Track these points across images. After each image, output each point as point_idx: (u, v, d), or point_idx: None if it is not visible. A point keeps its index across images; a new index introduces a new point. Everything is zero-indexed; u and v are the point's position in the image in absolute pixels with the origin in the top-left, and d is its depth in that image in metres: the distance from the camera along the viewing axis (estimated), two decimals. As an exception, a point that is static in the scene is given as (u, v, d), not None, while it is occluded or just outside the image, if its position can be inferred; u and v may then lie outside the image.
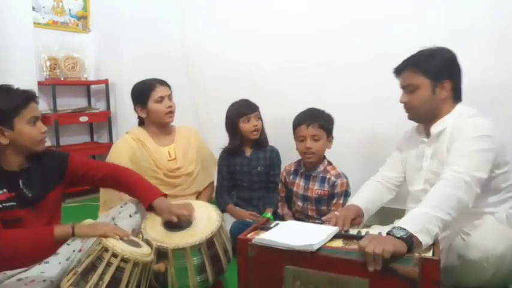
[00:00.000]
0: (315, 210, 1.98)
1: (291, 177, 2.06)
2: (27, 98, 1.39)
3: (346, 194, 1.94)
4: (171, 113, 2.10)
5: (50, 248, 1.29)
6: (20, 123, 1.36)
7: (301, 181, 2.01)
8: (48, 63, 3.32)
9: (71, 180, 1.56)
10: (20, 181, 1.42)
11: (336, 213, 1.54)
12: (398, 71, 1.59)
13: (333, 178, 1.94)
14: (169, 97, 2.11)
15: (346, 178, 1.96)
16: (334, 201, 1.93)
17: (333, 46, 2.46)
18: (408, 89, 1.55)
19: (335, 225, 1.43)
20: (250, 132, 2.18)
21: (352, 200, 1.67)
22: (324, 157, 2.00)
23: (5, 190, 1.38)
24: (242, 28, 2.79)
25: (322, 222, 1.89)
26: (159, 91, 2.08)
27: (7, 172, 1.40)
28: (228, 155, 2.28)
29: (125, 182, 1.62)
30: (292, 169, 2.07)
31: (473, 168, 1.32)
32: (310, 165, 1.98)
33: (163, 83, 2.13)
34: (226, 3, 2.85)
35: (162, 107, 2.07)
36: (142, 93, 2.11)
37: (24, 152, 1.42)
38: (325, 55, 2.49)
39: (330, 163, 2.01)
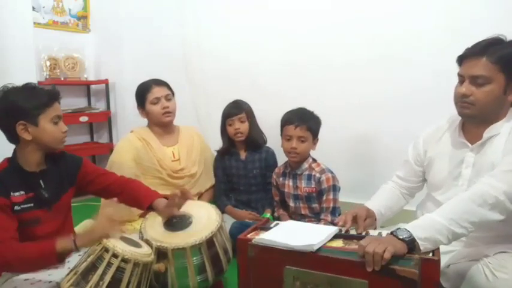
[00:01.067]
0: (307, 208, 2.00)
1: (281, 179, 2.08)
2: (52, 97, 1.43)
3: (335, 188, 1.94)
4: (168, 113, 2.10)
5: (54, 261, 1.29)
6: (44, 121, 1.39)
7: (290, 181, 2.03)
8: (48, 63, 3.32)
9: (80, 184, 1.59)
10: (41, 181, 1.44)
11: (347, 211, 1.48)
12: (471, 55, 1.32)
13: (317, 175, 1.95)
14: (167, 97, 2.11)
15: (332, 173, 1.97)
16: (324, 198, 1.94)
17: (332, 46, 2.47)
18: (478, 80, 1.29)
19: (345, 223, 1.41)
20: (233, 134, 2.19)
21: (366, 204, 1.58)
22: (309, 155, 2.01)
23: (22, 192, 1.38)
24: (242, 28, 2.79)
25: (319, 221, 1.91)
26: (155, 92, 2.08)
27: (28, 172, 1.42)
28: (223, 157, 2.29)
29: (129, 188, 1.64)
30: (281, 171, 2.09)
31: None
32: (295, 164, 2.00)
33: (160, 83, 2.13)
34: (226, 3, 2.85)
35: (158, 108, 2.08)
36: (140, 95, 2.14)
37: (43, 151, 1.44)
38: (325, 55, 2.50)
39: (314, 160, 2.02)
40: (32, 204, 1.39)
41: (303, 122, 1.90)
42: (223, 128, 2.25)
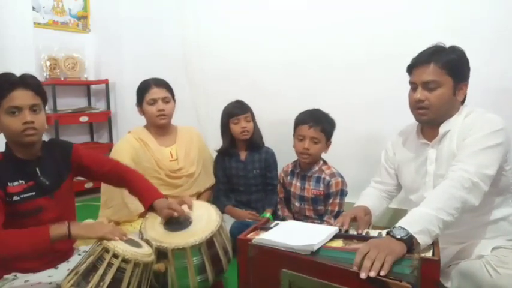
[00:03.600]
0: (312, 210, 1.99)
1: (288, 178, 2.07)
2: (7, 86, 1.31)
3: (342, 193, 1.94)
4: (162, 115, 2.09)
5: (47, 248, 1.26)
6: (1, 113, 1.33)
7: (298, 182, 2.02)
8: (48, 63, 3.32)
9: (77, 169, 1.55)
10: (37, 169, 1.41)
11: (344, 213, 1.52)
12: (420, 63, 1.44)
13: (327, 178, 1.93)
14: (165, 100, 2.09)
15: (342, 177, 1.96)
16: (330, 201, 1.93)
17: (332, 46, 2.47)
18: (430, 85, 1.41)
19: (343, 225, 1.42)
20: (239, 133, 2.19)
21: (357, 204, 1.64)
22: (320, 157, 2.00)
23: (21, 181, 1.35)
24: (242, 28, 2.79)
25: (321, 222, 1.90)
26: (153, 93, 2.07)
27: (23, 161, 1.39)
28: (223, 158, 2.29)
29: (128, 179, 1.62)
30: (290, 170, 2.08)
31: (483, 166, 1.28)
32: (306, 165, 1.98)
33: (160, 84, 2.11)
34: (226, 3, 2.85)
35: (153, 110, 2.07)
36: (139, 93, 2.13)
37: (19, 143, 1.37)
38: (325, 55, 2.50)
39: (325, 163, 2.01)
40: (33, 193, 1.37)
41: (317, 123, 1.88)
42: (224, 127, 2.24)
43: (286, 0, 2.61)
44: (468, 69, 1.46)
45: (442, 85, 1.40)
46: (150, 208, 1.58)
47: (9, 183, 1.33)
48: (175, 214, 1.52)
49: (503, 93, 1.99)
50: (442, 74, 1.40)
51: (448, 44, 1.49)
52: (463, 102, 1.50)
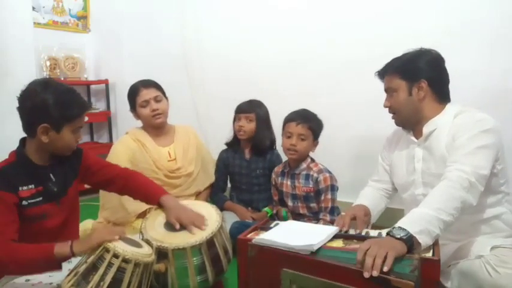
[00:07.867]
0: (306, 207, 2.00)
1: (279, 178, 2.08)
2: (84, 109, 1.42)
3: (333, 188, 1.95)
4: (157, 115, 2.09)
5: (52, 266, 1.27)
6: (67, 130, 1.38)
7: (288, 181, 2.03)
8: (48, 63, 3.32)
9: (84, 175, 1.57)
10: (51, 175, 1.43)
11: (343, 213, 1.52)
12: (381, 75, 1.60)
13: (315, 175, 1.95)
14: (156, 99, 2.08)
15: (330, 173, 1.97)
16: (322, 198, 1.95)
17: (332, 46, 2.47)
18: (389, 91, 1.56)
19: (344, 226, 1.42)
20: (237, 131, 2.19)
21: (356, 203, 1.65)
22: (307, 155, 2.02)
23: (32, 186, 1.37)
24: (242, 28, 2.80)
25: (318, 221, 1.91)
26: (143, 95, 2.07)
27: (38, 166, 1.40)
28: (227, 155, 2.28)
29: (134, 181, 1.63)
30: (280, 170, 2.10)
31: (478, 167, 1.30)
32: (294, 163, 2.00)
33: (148, 85, 2.10)
34: (227, 3, 2.85)
35: (147, 111, 2.08)
36: (130, 99, 2.13)
37: (52, 152, 1.43)
38: (325, 55, 2.50)
39: (312, 160, 2.02)
40: (40, 198, 1.38)
41: (304, 121, 1.92)
42: (233, 122, 2.25)
43: (287, 0, 2.61)
44: (431, 67, 1.49)
45: (397, 89, 1.52)
46: (158, 204, 1.58)
47: (20, 188, 1.35)
48: (177, 226, 1.51)
49: (503, 93, 2.00)
50: (393, 79, 1.53)
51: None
52: (444, 99, 1.51)
